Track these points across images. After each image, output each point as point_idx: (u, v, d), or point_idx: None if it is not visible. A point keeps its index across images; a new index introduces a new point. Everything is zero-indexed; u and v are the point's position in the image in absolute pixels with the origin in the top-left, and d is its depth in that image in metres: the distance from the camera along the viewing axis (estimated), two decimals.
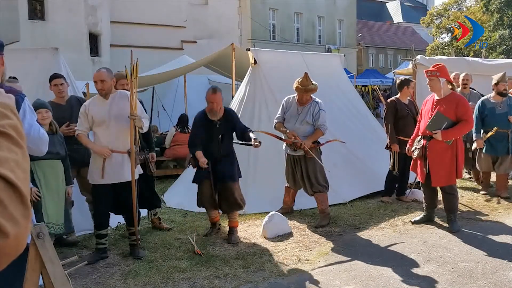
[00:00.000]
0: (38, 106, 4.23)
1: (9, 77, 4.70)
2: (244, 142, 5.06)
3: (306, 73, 5.38)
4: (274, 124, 5.62)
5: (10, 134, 0.83)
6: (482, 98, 6.55)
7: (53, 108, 4.87)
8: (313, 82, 5.39)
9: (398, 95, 6.45)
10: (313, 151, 5.33)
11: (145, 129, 4.64)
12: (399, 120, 6.26)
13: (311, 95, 5.45)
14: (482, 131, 6.47)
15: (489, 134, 6.30)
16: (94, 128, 4.40)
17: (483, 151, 6.50)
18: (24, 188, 0.80)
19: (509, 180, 6.91)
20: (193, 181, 5.09)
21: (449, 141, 4.96)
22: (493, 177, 6.90)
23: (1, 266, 0.76)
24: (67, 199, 4.53)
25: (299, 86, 5.34)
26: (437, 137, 4.96)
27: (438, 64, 5.14)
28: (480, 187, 6.92)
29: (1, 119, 0.84)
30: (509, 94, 6.54)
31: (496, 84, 6.43)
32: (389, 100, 6.57)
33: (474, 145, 6.59)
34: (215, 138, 4.89)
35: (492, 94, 6.48)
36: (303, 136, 5.36)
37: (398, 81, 6.70)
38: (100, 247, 4.47)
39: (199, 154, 4.82)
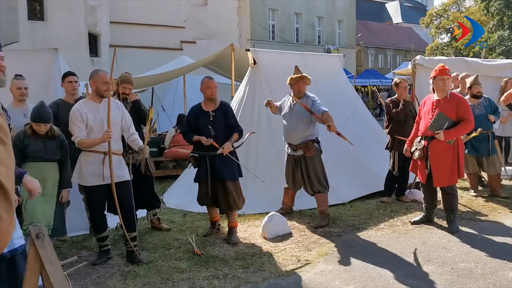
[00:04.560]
0: (38, 119, 4.11)
1: (16, 75, 4.72)
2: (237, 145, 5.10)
3: (296, 66, 5.53)
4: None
5: None
6: None
7: (61, 107, 4.92)
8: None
9: (396, 95, 6.53)
10: (312, 150, 5.34)
11: (135, 146, 4.53)
12: (398, 120, 6.27)
13: (306, 92, 5.46)
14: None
15: (473, 134, 6.29)
16: (89, 132, 4.24)
17: (466, 152, 6.49)
18: (7, 184, 0.79)
19: (502, 179, 6.93)
20: (195, 180, 5.11)
21: (450, 141, 4.97)
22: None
23: None
24: (65, 202, 4.47)
25: (293, 76, 5.42)
26: (439, 137, 4.96)
27: (442, 65, 5.15)
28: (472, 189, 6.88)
29: None
30: (484, 95, 6.67)
31: (470, 87, 6.60)
32: (387, 99, 6.65)
33: None
34: (207, 128, 4.88)
35: (467, 97, 6.51)
36: (300, 137, 5.36)
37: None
38: (104, 249, 4.46)
39: (197, 137, 4.86)
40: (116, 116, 4.32)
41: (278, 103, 5.64)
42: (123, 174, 4.36)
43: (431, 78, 5.16)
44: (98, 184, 4.26)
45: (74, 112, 4.23)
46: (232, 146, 4.99)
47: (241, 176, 5.10)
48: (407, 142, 5.51)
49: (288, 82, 5.46)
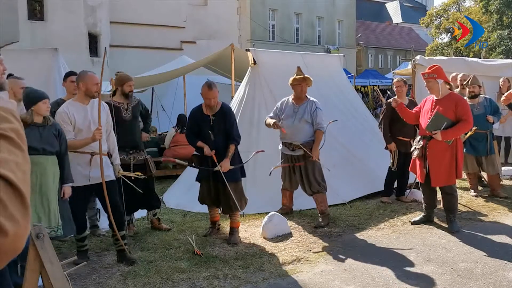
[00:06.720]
0: (42, 96, 3.97)
1: (9, 75, 4.71)
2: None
3: (298, 67, 5.52)
4: (265, 120, 5.64)
5: (11, 137, 0.86)
6: None
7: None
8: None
9: (396, 96, 6.52)
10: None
11: (112, 149, 4.52)
12: (398, 120, 6.27)
13: (307, 95, 5.47)
14: None
15: (468, 134, 6.30)
16: (77, 133, 4.22)
17: (464, 151, 6.51)
18: (24, 188, 0.82)
19: (502, 179, 6.93)
20: (197, 179, 5.11)
21: (449, 141, 4.96)
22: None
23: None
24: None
25: (296, 77, 5.40)
26: (436, 138, 4.96)
27: (434, 66, 5.14)
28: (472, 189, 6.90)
29: (3, 122, 0.87)
30: (483, 96, 6.68)
31: (466, 87, 6.61)
32: (388, 100, 6.63)
33: None
34: (207, 133, 4.88)
35: (466, 97, 6.53)
36: (303, 138, 5.36)
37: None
38: (83, 250, 4.42)
39: (201, 143, 4.85)
40: (103, 117, 4.29)
41: (273, 111, 5.67)
42: (109, 173, 4.37)
43: None
44: (84, 185, 4.24)
45: (61, 114, 4.18)
46: (240, 160, 5.01)
47: (244, 176, 5.10)
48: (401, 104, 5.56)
49: (290, 82, 5.45)
